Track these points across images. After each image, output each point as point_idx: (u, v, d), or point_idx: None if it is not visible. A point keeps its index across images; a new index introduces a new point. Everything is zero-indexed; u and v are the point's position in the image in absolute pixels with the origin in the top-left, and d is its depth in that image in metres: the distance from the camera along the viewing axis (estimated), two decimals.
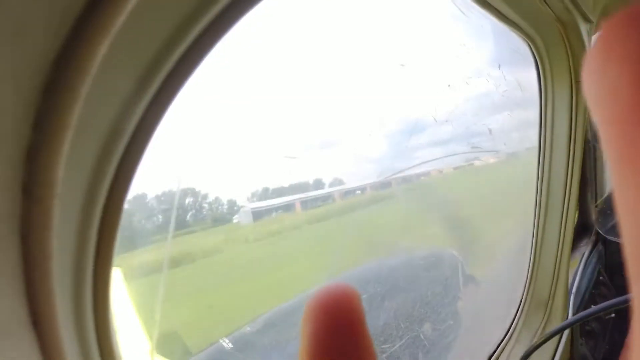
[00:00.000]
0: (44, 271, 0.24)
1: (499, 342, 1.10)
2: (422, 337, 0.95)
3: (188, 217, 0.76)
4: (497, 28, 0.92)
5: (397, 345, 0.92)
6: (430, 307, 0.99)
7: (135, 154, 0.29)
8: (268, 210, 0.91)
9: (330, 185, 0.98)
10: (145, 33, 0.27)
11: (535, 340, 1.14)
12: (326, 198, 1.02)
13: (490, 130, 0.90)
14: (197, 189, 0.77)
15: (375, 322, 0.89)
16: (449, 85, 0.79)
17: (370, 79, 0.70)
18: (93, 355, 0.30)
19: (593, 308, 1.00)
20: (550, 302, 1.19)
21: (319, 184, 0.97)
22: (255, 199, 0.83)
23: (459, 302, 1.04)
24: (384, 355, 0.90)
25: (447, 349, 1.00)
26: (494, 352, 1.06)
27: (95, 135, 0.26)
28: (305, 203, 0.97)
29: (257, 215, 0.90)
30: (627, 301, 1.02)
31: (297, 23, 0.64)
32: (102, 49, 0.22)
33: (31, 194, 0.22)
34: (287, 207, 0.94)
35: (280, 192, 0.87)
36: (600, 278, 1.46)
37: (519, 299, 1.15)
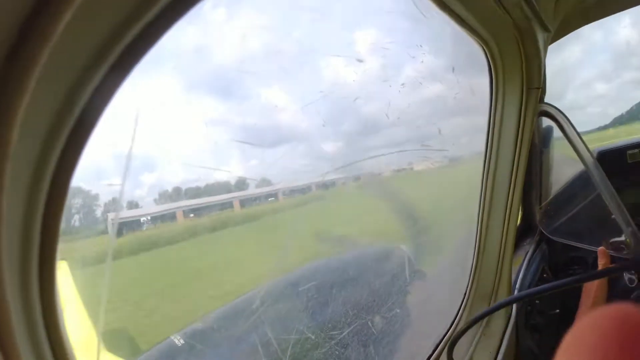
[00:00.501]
0: None
1: (444, 332, 1.15)
2: (370, 324, 0.99)
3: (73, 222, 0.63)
4: (454, 33, 0.95)
5: (346, 332, 0.95)
6: (378, 296, 1.02)
7: (85, 128, 0.30)
8: (139, 222, 0.83)
9: (257, 186, 0.90)
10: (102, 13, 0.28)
11: (480, 331, 1.21)
12: (225, 205, 0.92)
13: (439, 130, 0.94)
14: (86, 188, 0.63)
15: (323, 309, 0.92)
16: (403, 84, 0.82)
17: (325, 73, 0.72)
18: (40, 331, 0.31)
19: (529, 290, 1.06)
20: (493, 295, 1.26)
21: (242, 185, 0.88)
22: (162, 201, 0.76)
23: (407, 294, 1.09)
24: (333, 342, 0.93)
25: (394, 337, 1.04)
26: (440, 341, 1.11)
27: (49, 106, 0.27)
28: (197, 210, 0.89)
29: (128, 226, 0.82)
30: (561, 285, 1.09)
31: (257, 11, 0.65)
32: (64, 20, 0.24)
33: None
34: (171, 217, 0.84)
35: (194, 193, 0.77)
36: (545, 276, 1.55)
37: (464, 292, 1.21)
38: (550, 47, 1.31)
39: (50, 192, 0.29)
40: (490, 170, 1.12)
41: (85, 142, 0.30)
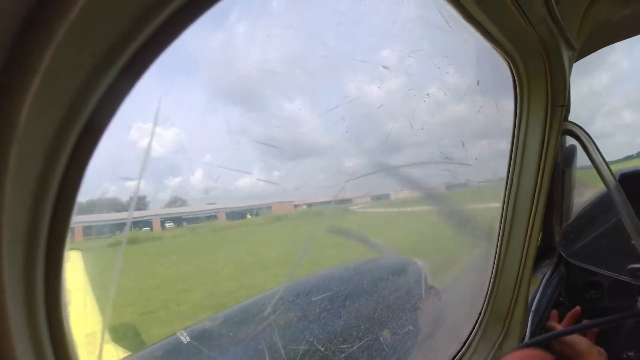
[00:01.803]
0: None
1: (456, 352, 1.12)
2: (381, 340, 0.96)
3: None
4: (480, 45, 0.94)
5: (356, 347, 0.92)
6: (392, 311, 0.99)
7: (109, 109, 0.28)
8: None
9: (167, 205, 0.69)
10: None
11: (492, 352, 1.17)
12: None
13: (463, 144, 0.92)
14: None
15: (335, 321, 0.90)
16: (428, 94, 0.81)
17: (351, 78, 0.70)
18: (41, 321, 0.29)
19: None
20: (509, 317, 1.22)
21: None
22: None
23: (420, 311, 1.06)
24: (342, 355, 0.90)
25: (405, 355, 1.01)
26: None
27: (68, 87, 0.25)
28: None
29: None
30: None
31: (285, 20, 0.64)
32: (69, 19, 0.22)
33: None
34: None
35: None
36: (560, 299, 1.50)
37: (478, 312, 1.17)
38: (578, 72, 1.29)
39: (60, 187, 0.27)
40: (512, 186, 1.09)
41: (95, 146, 0.28)
